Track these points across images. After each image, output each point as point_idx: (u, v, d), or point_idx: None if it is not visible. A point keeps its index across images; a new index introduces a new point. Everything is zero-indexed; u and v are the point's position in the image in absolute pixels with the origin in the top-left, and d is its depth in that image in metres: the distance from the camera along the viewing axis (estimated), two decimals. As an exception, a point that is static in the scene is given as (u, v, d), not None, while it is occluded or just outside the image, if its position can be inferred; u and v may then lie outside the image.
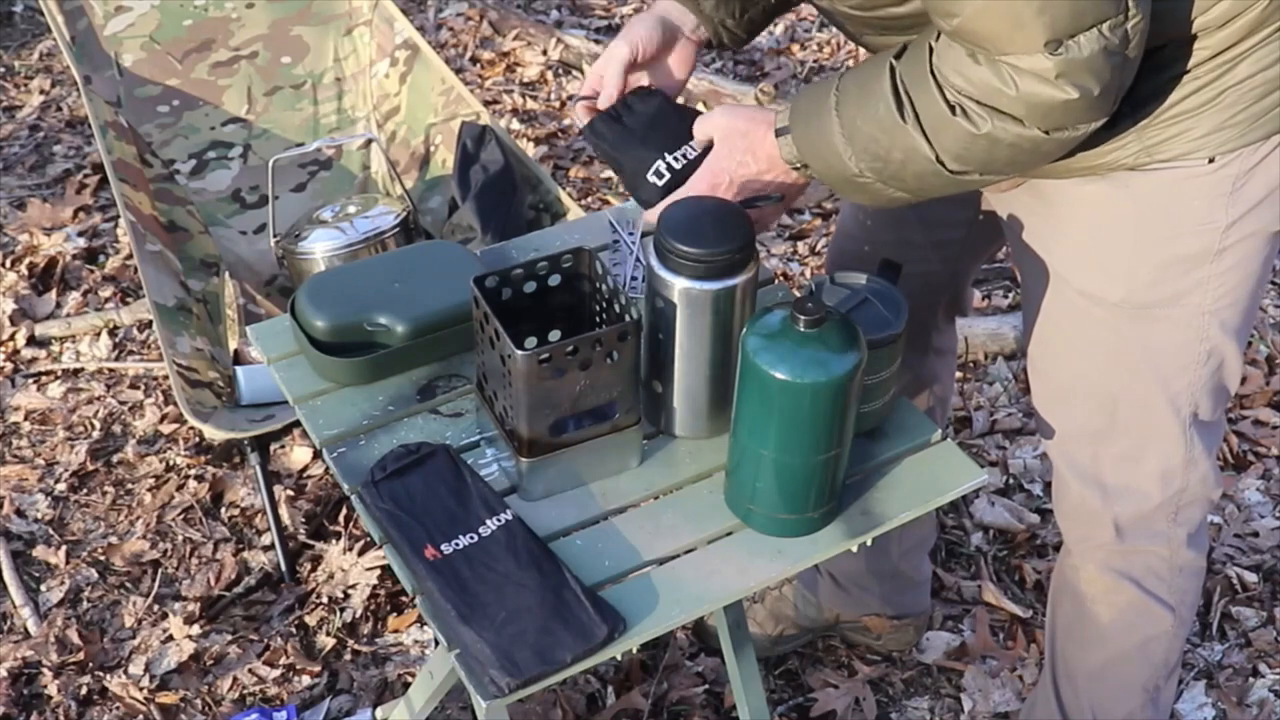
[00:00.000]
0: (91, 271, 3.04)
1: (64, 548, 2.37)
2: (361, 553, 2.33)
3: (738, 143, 1.40)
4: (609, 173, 3.41)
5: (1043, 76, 1.15)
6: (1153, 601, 1.67)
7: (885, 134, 1.27)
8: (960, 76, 1.20)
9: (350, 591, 2.29)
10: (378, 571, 2.30)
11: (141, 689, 2.12)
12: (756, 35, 1.58)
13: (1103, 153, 1.34)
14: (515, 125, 3.59)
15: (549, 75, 3.84)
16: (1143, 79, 1.25)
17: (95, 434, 2.61)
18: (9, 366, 2.77)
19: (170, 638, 2.21)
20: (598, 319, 1.41)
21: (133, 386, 2.73)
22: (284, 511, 2.41)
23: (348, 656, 2.20)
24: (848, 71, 1.33)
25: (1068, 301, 1.49)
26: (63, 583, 2.31)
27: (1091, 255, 1.44)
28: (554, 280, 1.39)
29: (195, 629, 2.22)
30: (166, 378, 2.67)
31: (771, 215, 1.48)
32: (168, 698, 2.12)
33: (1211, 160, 1.34)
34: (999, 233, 1.66)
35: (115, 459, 2.56)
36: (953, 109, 1.21)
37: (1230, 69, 1.30)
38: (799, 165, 1.38)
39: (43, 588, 2.31)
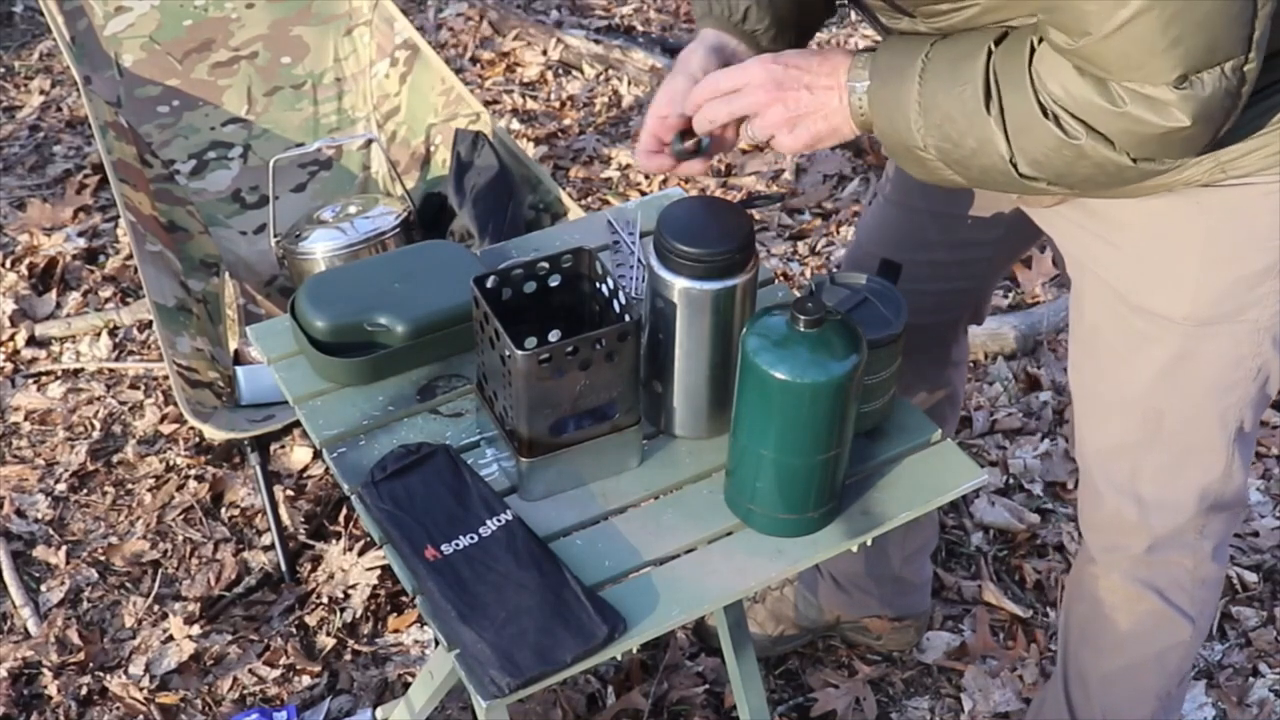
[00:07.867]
0: (91, 271, 3.04)
1: (64, 548, 2.37)
2: (361, 553, 2.33)
3: (808, 53, 1.32)
4: (609, 172, 3.41)
5: (1157, 100, 1.11)
6: (1174, 612, 1.64)
7: (965, 118, 1.21)
8: (1060, 86, 1.15)
9: (350, 591, 2.29)
10: (378, 571, 2.30)
11: (141, 689, 2.12)
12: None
13: (1178, 170, 1.29)
14: (515, 125, 3.59)
15: (549, 75, 3.84)
16: None
17: (95, 434, 2.61)
18: (9, 366, 2.77)
19: (170, 638, 2.21)
20: (598, 319, 1.40)
21: (133, 386, 2.73)
22: (284, 511, 2.41)
23: (348, 656, 2.20)
24: (941, 41, 1.25)
25: (1122, 318, 1.44)
26: (63, 583, 2.31)
27: (1155, 271, 1.40)
28: (554, 280, 1.39)
29: (195, 629, 2.22)
30: (166, 378, 2.67)
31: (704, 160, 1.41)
32: (168, 698, 2.12)
33: None
34: (1024, 245, 1.63)
35: (115, 459, 2.56)
36: (1045, 112, 1.16)
37: None
38: (861, 113, 1.30)
39: (43, 588, 2.31)
